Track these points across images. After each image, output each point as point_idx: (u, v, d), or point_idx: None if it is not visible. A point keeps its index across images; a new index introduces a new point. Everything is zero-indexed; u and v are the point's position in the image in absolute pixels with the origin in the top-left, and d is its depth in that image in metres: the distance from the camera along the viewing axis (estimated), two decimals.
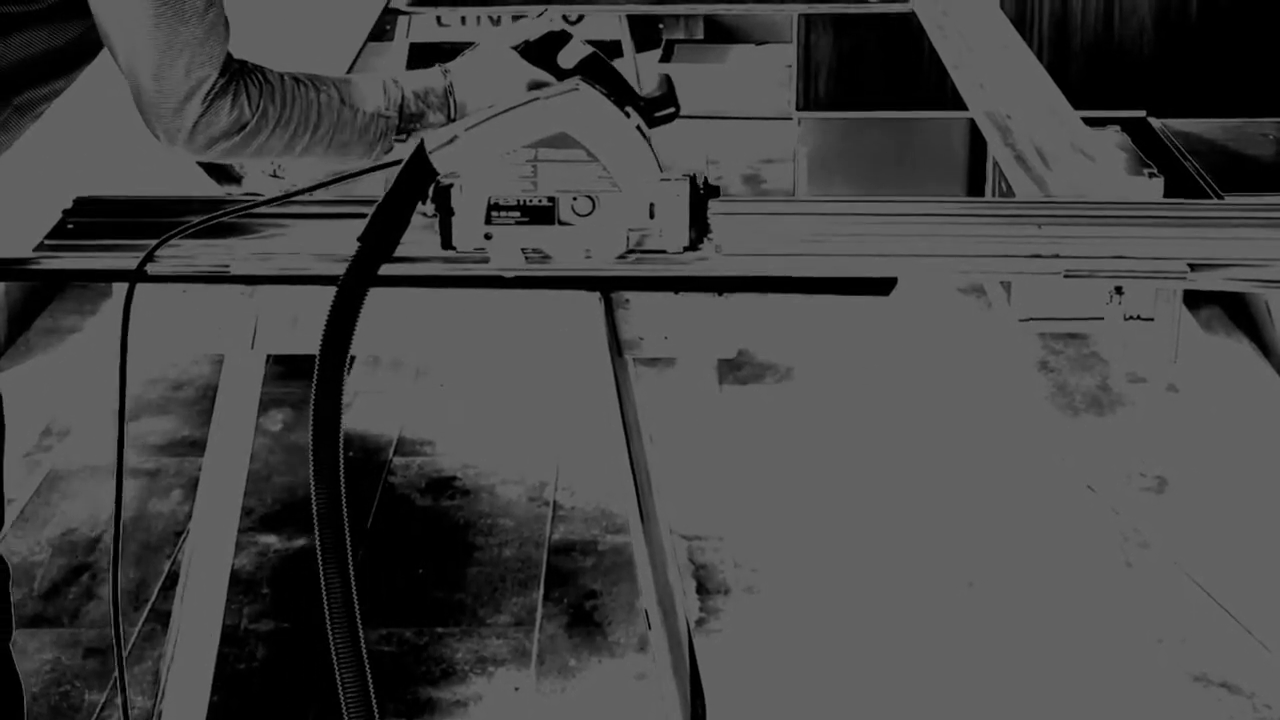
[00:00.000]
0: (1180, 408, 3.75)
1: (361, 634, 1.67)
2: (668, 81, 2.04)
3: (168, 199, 2.31)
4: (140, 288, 2.05)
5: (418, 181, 1.96)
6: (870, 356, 4.03)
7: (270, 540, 3.29)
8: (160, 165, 2.24)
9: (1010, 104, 3.04)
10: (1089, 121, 3.12)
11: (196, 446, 3.58)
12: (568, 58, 2.03)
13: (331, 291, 1.80)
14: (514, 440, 3.67)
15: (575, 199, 2.00)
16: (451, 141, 1.96)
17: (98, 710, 2.78)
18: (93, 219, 2.23)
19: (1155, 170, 3.48)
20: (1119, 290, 2.17)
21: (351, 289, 1.85)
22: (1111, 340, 3.79)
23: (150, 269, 2.08)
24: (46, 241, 2.16)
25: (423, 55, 4.27)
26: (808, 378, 3.95)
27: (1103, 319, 2.21)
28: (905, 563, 3.19)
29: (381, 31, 4.17)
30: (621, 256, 2.05)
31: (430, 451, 3.63)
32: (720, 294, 2.13)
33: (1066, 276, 2.04)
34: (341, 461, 1.74)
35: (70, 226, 2.21)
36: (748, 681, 2.85)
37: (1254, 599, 3.03)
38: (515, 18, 4.19)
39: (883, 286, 2.09)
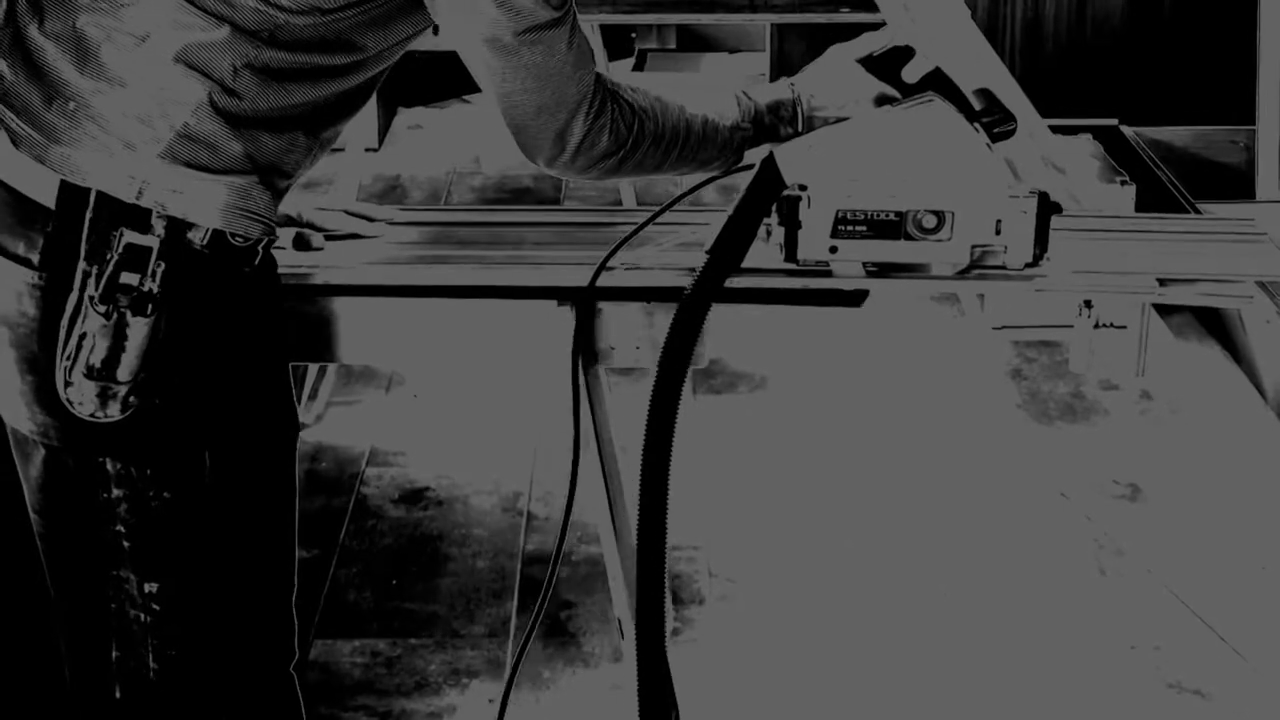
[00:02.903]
0: (1153, 415, 3.76)
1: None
2: (992, 97, 2.00)
3: None
4: None
5: (767, 194, 1.95)
6: (844, 365, 4.03)
7: None
8: None
9: None
10: (1061, 130, 3.12)
11: None
12: (912, 72, 2.01)
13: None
14: (487, 450, 3.66)
15: (922, 214, 1.97)
16: (803, 154, 1.95)
17: None
18: None
19: (1127, 178, 3.49)
20: (1088, 304, 2.18)
21: (699, 300, 1.89)
22: (1082, 349, 3.79)
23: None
24: None
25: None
26: (782, 387, 3.95)
27: (1073, 326, 2.22)
28: (880, 571, 3.19)
29: None
30: (962, 272, 2.02)
31: (403, 462, 3.62)
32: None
33: (1037, 291, 2.04)
34: (669, 474, 1.87)
35: None
36: (722, 691, 2.85)
37: (1227, 606, 3.04)
38: None
39: (854, 299, 2.09)
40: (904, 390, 3.92)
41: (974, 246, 2.00)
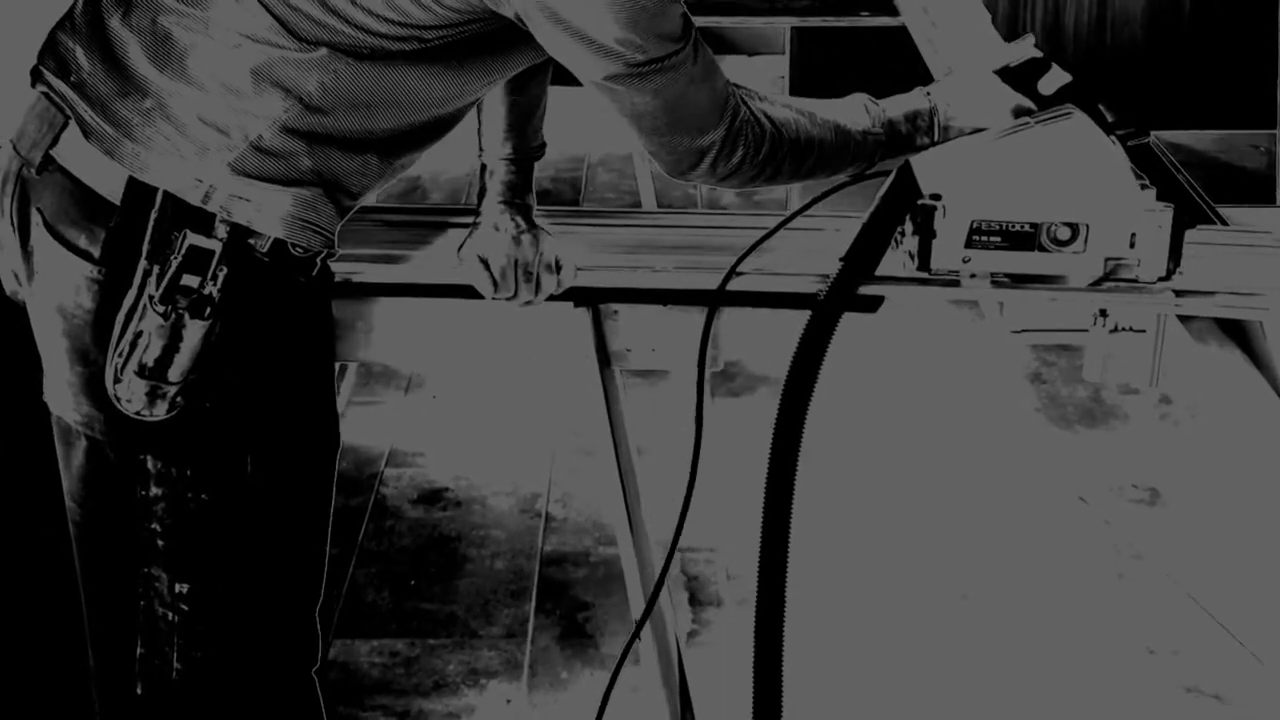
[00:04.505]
0: (1172, 419, 3.75)
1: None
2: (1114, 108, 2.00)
3: None
4: None
5: (902, 202, 1.95)
6: (864, 368, 4.03)
7: None
8: None
9: None
10: None
11: None
12: (1048, 84, 2.00)
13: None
14: (506, 452, 3.67)
15: (1056, 226, 1.95)
16: (939, 163, 1.94)
17: None
18: None
19: (1147, 182, 3.49)
20: (1103, 313, 2.17)
21: (832, 307, 1.90)
22: (1096, 357, 3.79)
23: None
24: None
25: None
26: None
27: (1090, 330, 2.21)
28: (899, 574, 3.19)
29: None
30: (1095, 284, 2.00)
31: (422, 463, 3.62)
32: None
33: (1052, 301, 2.04)
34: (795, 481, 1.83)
35: None
36: (739, 694, 2.84)
37: (1246, 610, 3.03)
38: None
39: (869, 304, 2.09)
40: (923, 394, 3.92)
41: (1107, 259, 1.97)
